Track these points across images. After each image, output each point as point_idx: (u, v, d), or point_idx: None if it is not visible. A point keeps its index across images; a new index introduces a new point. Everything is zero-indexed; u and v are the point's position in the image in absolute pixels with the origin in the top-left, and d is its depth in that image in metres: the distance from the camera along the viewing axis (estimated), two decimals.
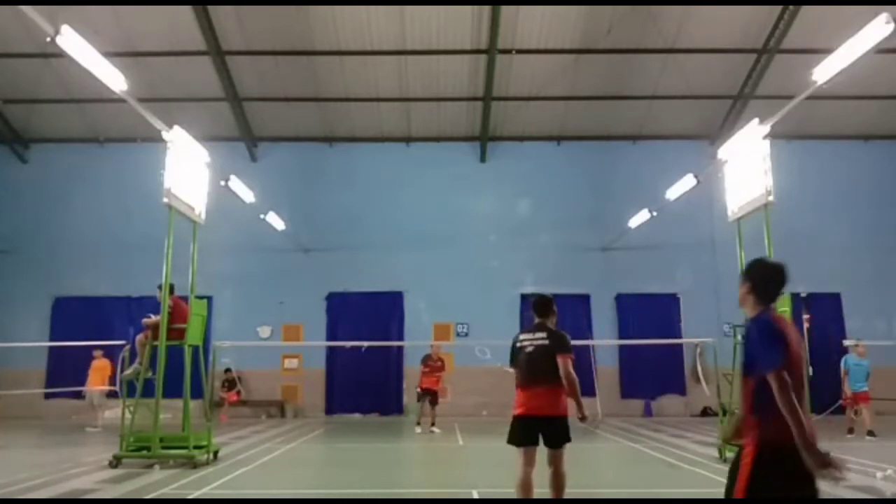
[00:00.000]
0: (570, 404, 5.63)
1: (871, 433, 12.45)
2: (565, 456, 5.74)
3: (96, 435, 13.88)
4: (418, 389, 14.25)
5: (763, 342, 3.49)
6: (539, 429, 5.62)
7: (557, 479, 5.67)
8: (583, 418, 5.61)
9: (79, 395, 16.20)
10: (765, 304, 3.67)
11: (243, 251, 18.32)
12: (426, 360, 14.26)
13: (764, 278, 3.71)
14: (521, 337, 5.92)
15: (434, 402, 14.05)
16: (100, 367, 15.31)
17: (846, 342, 13.82)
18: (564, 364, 5.59)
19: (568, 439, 5.70)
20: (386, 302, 18.96)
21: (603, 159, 19.35)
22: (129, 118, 13.60)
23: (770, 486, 3.36)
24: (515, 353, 5.88)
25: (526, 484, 5.55)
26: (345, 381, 18.51)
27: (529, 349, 5.77)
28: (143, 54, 16.63)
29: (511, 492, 5.66)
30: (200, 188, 10.28)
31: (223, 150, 15.17)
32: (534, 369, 5.68)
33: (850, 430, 12.86)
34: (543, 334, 5.78)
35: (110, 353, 14.97)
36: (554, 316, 5.94)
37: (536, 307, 5.99)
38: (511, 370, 5.91)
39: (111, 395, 15.47)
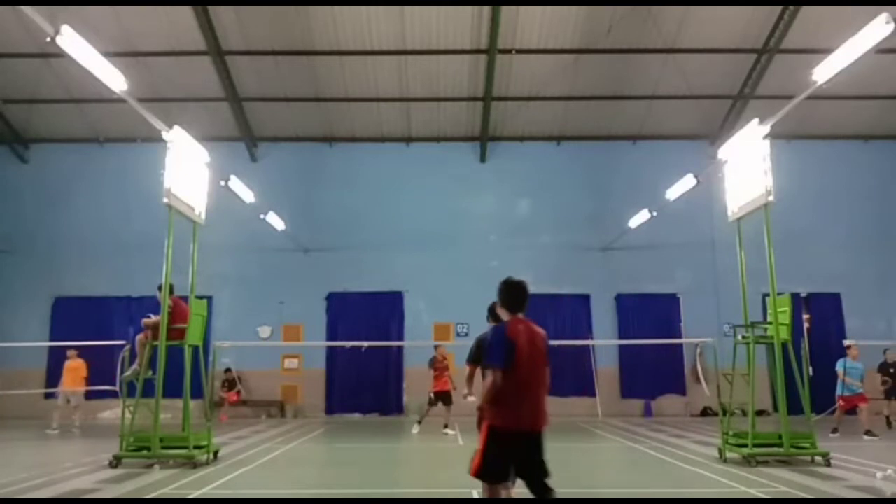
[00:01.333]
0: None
1: (868, 433, 12.45)
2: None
3: (87, 434, 13.85)
4: (431, 394, 13.72)
5: (492, 344, 4.42)
6: None
7: None
8: None
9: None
10: (513, 313, 4.52)
11: (243, 251, 18.34)
12: (433, 362, 13.80)
13: (506, 295, 4.59)
14: None
15: (448, 403, 13.55)
16: (73, 368, 15.02)
17: (846, 342, 13.82)
18: None
19: None
20: (386, 302, 18.95)
21: (603, 159, 19.36)
22: (129, 118, 13.62)
23: (497, 458, 4.35)
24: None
25: None
26: (345, 381, 18.51)
27: None
28: (143, 54, 16.66)
29: (514, 491, 5.65)
30: (200, 188, 10.26)
31: (223, 150, 15.20)
32: None
33: (835, 430, 12.86)
34: None
35: (110, 353, 14.98)
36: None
37: (492, 313, 6.29)
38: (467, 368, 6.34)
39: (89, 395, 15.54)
